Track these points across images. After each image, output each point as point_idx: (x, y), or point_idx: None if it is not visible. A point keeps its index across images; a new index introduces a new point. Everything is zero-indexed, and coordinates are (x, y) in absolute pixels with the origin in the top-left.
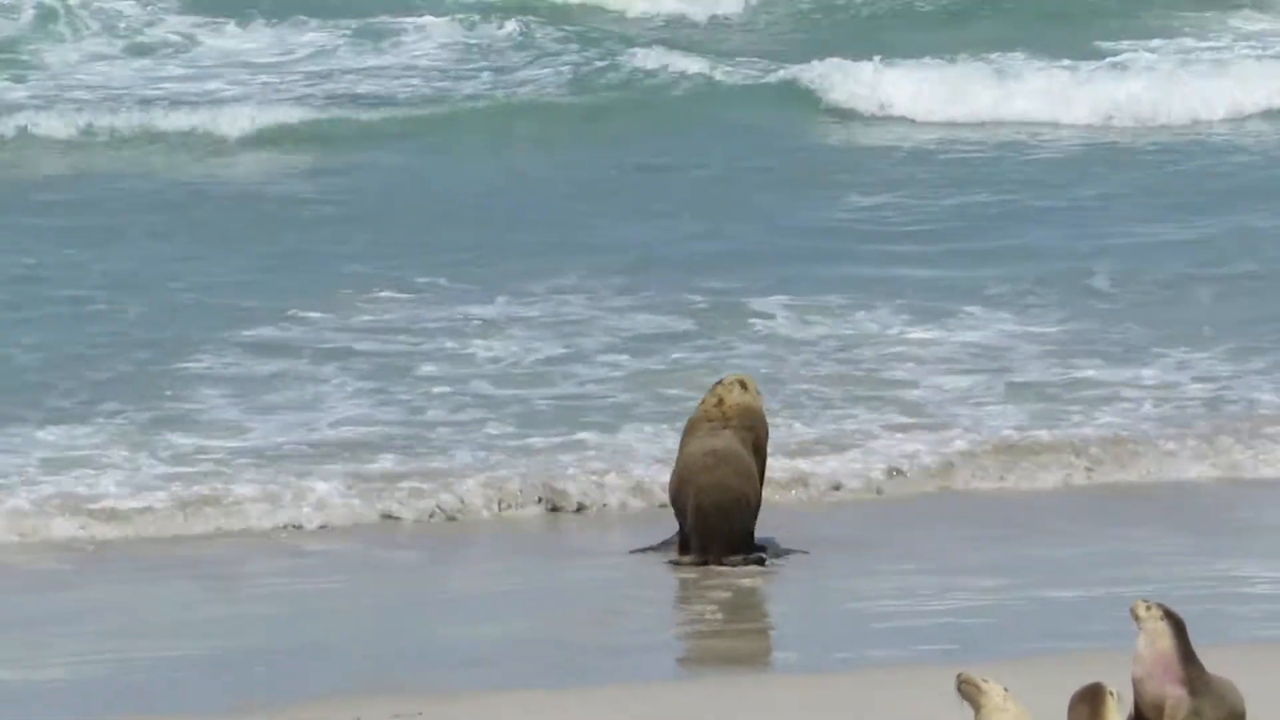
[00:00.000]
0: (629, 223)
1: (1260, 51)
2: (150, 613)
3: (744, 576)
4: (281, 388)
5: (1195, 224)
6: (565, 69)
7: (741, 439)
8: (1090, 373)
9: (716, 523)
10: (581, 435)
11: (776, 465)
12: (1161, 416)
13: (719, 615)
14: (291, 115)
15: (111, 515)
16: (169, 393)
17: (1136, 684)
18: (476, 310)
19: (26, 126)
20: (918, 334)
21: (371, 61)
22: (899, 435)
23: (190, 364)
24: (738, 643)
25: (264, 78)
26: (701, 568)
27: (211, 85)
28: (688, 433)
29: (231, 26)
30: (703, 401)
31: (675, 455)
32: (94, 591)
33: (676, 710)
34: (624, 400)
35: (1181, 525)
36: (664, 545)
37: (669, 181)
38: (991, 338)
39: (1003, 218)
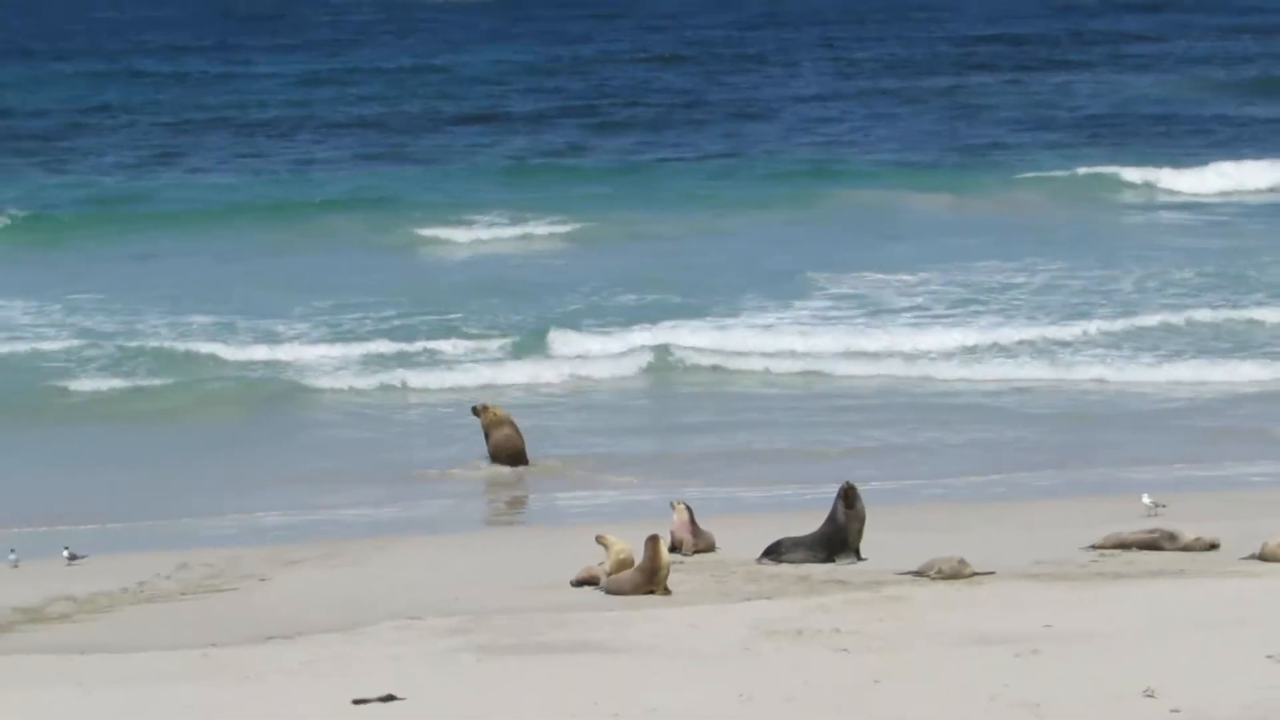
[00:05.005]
0: None
1: None
2: None
3: (518, 489)
4: None
5: None
6: None
7: (514, 427)
8: None
9: (518, 457)
10: None
11: None
12: None
13: (505, 505)
14: None
15: None
16: None
17: (672, 533)
18: None
19: None
20: None
21: None
22: None
23: None
24: (511, 515)
25: None
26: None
27: None
28: (492, 428)
29: None
30: (487, 412)
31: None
32: None
33: (456, 547)
34: None
35: None
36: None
37: None
38: None
39: None
